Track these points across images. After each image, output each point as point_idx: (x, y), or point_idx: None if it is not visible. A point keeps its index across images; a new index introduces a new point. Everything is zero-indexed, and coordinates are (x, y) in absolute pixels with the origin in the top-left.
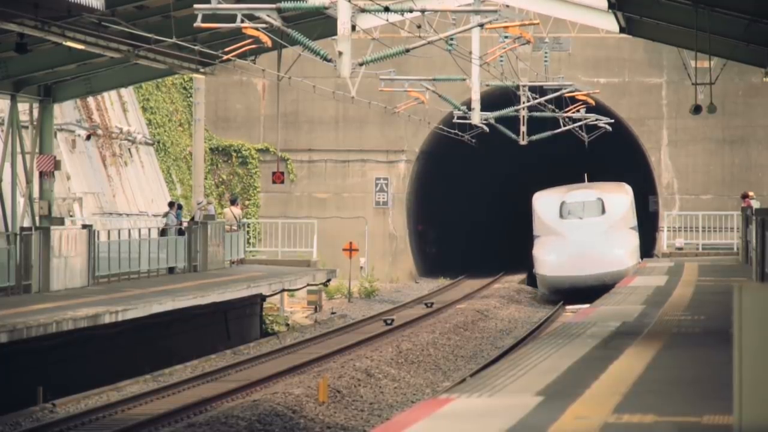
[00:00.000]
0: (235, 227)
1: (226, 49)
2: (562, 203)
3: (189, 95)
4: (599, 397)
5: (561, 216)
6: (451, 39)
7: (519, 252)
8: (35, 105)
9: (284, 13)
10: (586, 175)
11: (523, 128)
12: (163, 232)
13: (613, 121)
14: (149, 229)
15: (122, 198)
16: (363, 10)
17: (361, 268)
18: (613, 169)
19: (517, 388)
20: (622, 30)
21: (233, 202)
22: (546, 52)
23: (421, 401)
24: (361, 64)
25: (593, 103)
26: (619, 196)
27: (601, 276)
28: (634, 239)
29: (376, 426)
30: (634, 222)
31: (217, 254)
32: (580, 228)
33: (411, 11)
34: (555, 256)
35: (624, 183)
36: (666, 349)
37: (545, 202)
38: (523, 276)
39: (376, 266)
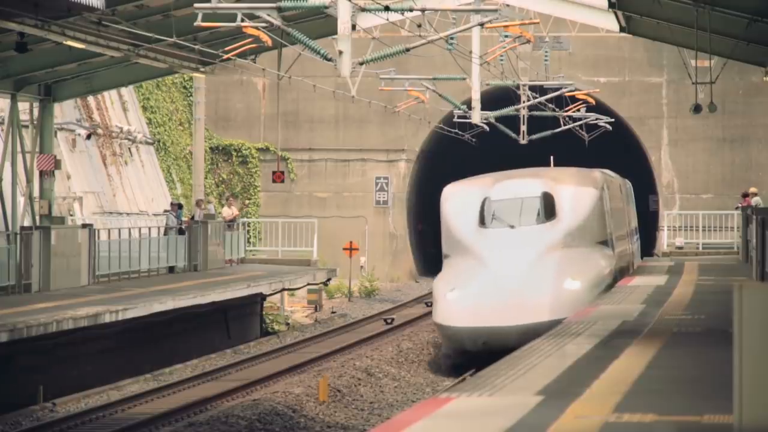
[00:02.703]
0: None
1: (227, 48)
2: (485, 202)
3: (189, 94)
4: (599, 397)
5: (482, 223)
6: (452, 38)
7: None
8: (35, 104)
9: (284, 12)
10: (551, 158)
11: (524, 127)
12: (166, 232)
13: (613, 120)
14: (149, 229)
15: (122, 197)
16: (363, 10)
17: (362, 267)
18: (613, 169)
19: (517, 388)
20: (622, 29)
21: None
22: (546, 52)
23: (421, 400)
24: (361, 64)
25: (593, 102)
26: (583, 191)
27: (538, 327)
28: (600, 261)
29: (377, 425)
30: (612, 228)
31: (218, 253)
32: (509, 243)
33: (411, 10)
34: (461, 293)
35: (599, 170)
36: (666, 349)
37: (460, 201)
38: None
39: (376, 265)
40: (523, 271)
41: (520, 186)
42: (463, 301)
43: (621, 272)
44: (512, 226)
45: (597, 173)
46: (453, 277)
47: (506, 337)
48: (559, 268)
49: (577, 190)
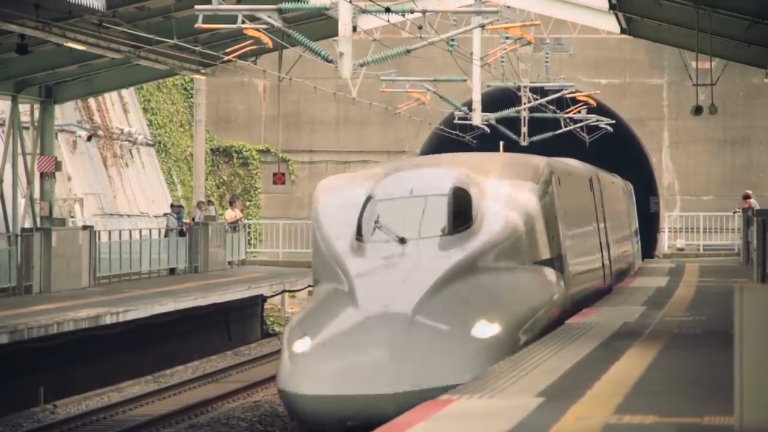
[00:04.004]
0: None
1: (227, 50)
2: (368, 202)
3: (190, 96)
4: (600, 398)
5: (359, 235)
6: (452, 40)
7: None
8: (36, 106)
9: (285, 14)
10: (501, 144)
11: (524, 129)
12: (166, 233)
13: (614, 121)
14: (150, 230)
15: (123, 199)
16: (364, 11)
17: None
18: (614, 170)
19: (518, 389)
20: (623, 31)
21: (231, 204)
22: (547, 53)
23: (422, 402)
24: (362, 65)
25: (594, 103)
26: (516, 187)
27: (431, 395)
28: (537, 291)
29: (378, 427)
30: (569, 240)
31: (218, 255)
32: (394, 267)
33: (412, 12)
34: (315, 343)
35: (551, 158)
36: (667, 350)
37: (334, 202)
38: None
39: None
40: (411, 310)
41: (422, 179)
42: (316, 356)
43: (587, 298)
44: (402, 240)
45: (541, 162)
46: (310, 317)
47: (381, 411)
48: (468, 304)
49: (508, 186)
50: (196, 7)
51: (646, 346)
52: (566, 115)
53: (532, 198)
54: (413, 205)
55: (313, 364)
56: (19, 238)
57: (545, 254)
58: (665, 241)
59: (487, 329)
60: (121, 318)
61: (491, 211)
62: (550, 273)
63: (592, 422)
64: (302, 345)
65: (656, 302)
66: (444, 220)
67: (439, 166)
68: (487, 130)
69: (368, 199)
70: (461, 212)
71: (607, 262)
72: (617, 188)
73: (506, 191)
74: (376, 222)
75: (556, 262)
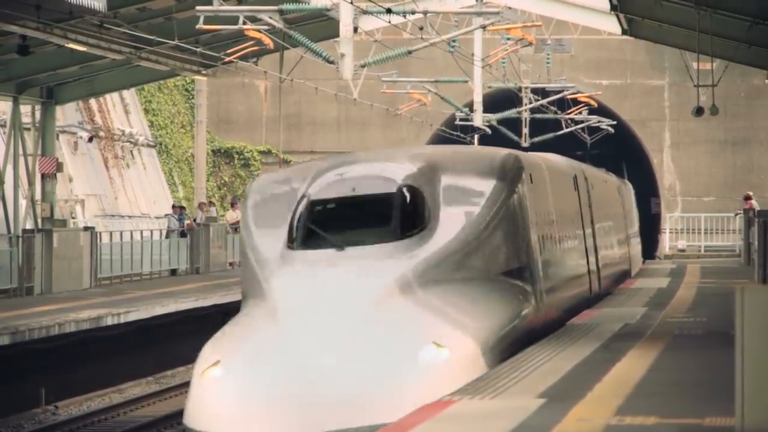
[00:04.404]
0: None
1: (228, 51)
2: (302, 203)
3: (191, 97)
4: (601, 399)
5: (290, 242)
6: (454, 41)
7: None
8: (37, 107)
9: (286, 14)
10: (475, 138)
11: (526, 130)
12: (168, 234)
13: (615, 122)
14: (151, 231)
15: (124, 200)
16: (365, 12)
17: None
18: (615, 171)
19: (519, 390)
20: (624, 32)
21: (233, 205)
22: (548, 54)
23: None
24: (363, 66)
25: (595, 104)
26: (477, 185)
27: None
28: (501, 307)
29: (380, 428)
30: (542, 246)
31: (220, 256)
32: (328, 280)
33: (413, 13)
34: (229, 371)
35: (528, 153)
36: (668, 351)
37: (265, 203)
38: None
39: None
40: (344, 334)
41: (366, 176)
42: (228, 389)
43: (567, 311)
44: (340, 248)
45: (509, 156)
46: (225, 340)
47: None
48: (415, 325)
49: (468, 184)
50: (198, 8)
51: (648, 347)
52: (567, 116)
53: (497, 198)
54: (354, 206)
55: (223, 399)
56: (20, 239)
57: (512, 263)
58: (666, 242)
59: (436, 355)
60: (123, 319)
61: (447, 213)
62: (517, 285)
63: (594, 423)
64: (214, 373)
65: (657, 303)
66: (390, 224)
67: (389, 160)
68: (489, 131)
69: (302, 198)
70: (411, 214)
71: (594, 268)
72: (610, 187)
73: (466, 190)
74: (310, 226)
75: (526, 272)
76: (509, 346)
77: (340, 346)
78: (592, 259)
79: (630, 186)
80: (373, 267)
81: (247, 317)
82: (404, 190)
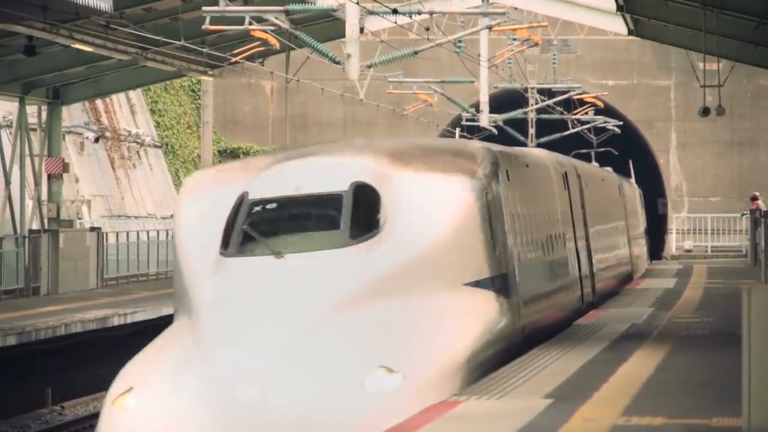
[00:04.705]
0: None
1: (235, 52)
2: (240, 204)
3: (197, 97)
4: (608, 400)
5: (225, 247)
6: (460, 41)
7: None
8: (43, 107)
9: (292, 15)
10: (457, 131)
11: (532, 130)
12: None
13: (621, 123)
14: (157, 232)
15: (130, 200)
16: (371, 13)
17: None
18: (622, 172)
19: (526, 391)
20: (630, 32)
21: None
22: (554, 54)
23: (430, 403)
24: (369, 66)
25: (602, 105)
26: (443, 183)
27: None
28: (467, 324)
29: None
30: (521, 252)
31: None
32: (264, 293)
33: (419, 13)
34: (143, 401)
35: (507, 147)
36: (675, 352)
37: (201, 203)
38: None
39: None
40: (278, 359)
41: (314, 172)
42: (140, 418)
43: (553, 323)
44: (278, 255)
45: (482, 150)
46: (142, 364)
47: None
48: (364, 345)
49: (433, 181)
50: (204, 8)
51: (654, 347)
52: (573, 117)
53: (465, 196)
54: (299, 207)
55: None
56: (26, 239)
57: (483, 272)
58: (673, 243)
59: (386, 381)
60: (129, 319)
61: (407, 214)
62: (488, 297)
63: (600, 424)
64: (124, 403)
65: (664, 303)
66: (339, 227)
67: (343, 153)
68: (495, 131)
69: (241, 198)
70: (364, 216)
71: (587, 274)
72: (609, 186)
73: (430, 188)
74: (246, 229)
75: (500, 281)
76: (478, 369)
77: (270, 373)
78: (585, 264)
79: (635, 185)
80: (316, 277)
81: (169, 337)
82: (356, 188)
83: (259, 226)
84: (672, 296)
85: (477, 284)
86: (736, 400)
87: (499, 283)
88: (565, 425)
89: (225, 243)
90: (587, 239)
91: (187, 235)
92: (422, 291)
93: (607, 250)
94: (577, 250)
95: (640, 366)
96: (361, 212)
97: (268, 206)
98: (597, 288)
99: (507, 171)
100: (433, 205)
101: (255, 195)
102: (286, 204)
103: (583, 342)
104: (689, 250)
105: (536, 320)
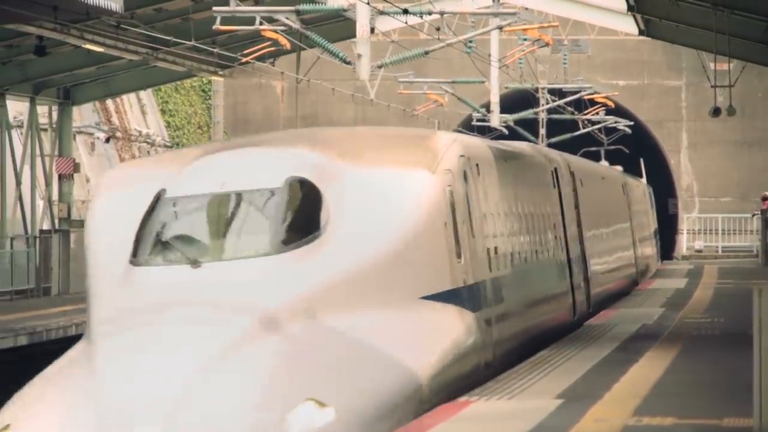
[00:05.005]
0: None
1: (245, 52)
2: (157, 203)
3: (208, 98)
4: (619, 400)
5: (136, 255)
6: (470, 41)
7: None
8: (54, 107)
9: (303, 15)
10: (436, 125)
11: (543, 131)
12: None
13: (632, 123)
14: None
15: None
16: (382, 13)
17: None
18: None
19: (537, 391)
20: (641, 32)
21: None
22: (565, 55)
23: (441, 404)
24: (380, 67)
25: (612, 105)
26: (408, 178)
27: None
28: (419, 347)
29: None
30: (500, 259)
31: None
32: (177, 312)
33: (430, 14)
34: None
35: (479, 138)
36: (686, 352)
37: (117, 202)
38: None
39: None
40: (186, 391)
41: (244, 166)
42: None
43: (534, 340)
44: (195, 264)
45: (447, 141)
46: (29, 396)
47: None
48: (291, 375)
49: (387, 177)
50: (214, 8)
51: (665, 348)
52: (584, 117)
53: (424, 194)
54: (223, 206)
55: None
56: (37, 239)
57: (444, 283)
58: (684, 243)
59: (315, 417)
60: None
61: (353, 216)
62: (450, 314)
63: (611, 424)
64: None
65: (675, 304)
66: (271, 231)
67: (281, 144)
68: (506, 131)
69: (158, 196)
70: (302, 217)
71: (580, 283)
72: (611, 185)
73: (382, 185)
74: (159, 233)
75: (465, 294)
76: (432, 399)
77: (176, 409)
78: (578, 270)
79: (643, 184)
80: (238, 291)
81: (62, 364)
82: (292, 184)
83: (174, 229)
84: (683, 296)
85: (437, 298)
86: (747, 401)
87: (465, 296)
88: (576, 426)
89: (135, 249)
90: (581, 243)
91: (97, 238)
92: (367, 307)
93: (606, 254)
94: (568, 255)
95: (650, 366)
96: (297, 213)
97: (188, 205)
98: (593, 297)
99: (478, 165)
100: (385, 204)
101: (174, 192)
102: (209, 203)
103: (593, 342)
104: (700, 251)
105: (513, 338)
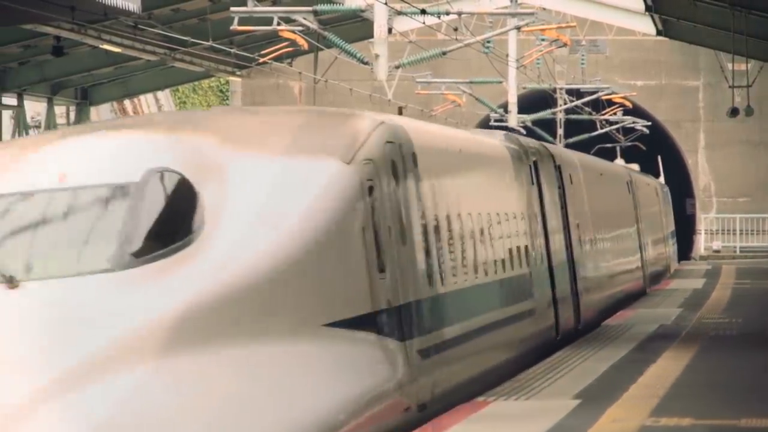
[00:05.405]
0: None
1: (263, 52)
2: None
3: (225, 98)
4: (636, 401)
5: None
6: (488, 42)
7: None
8: (72, 108)
9: (321, 15)
10: (399, 109)
11: (560, 131)
12: None
13: (650, 123)
14: None
15: None
16: (399, 13)
17: None
18: (650, 169)
19: (554, 391)
20: (659, 32)
21: None
22: (583, 55)
23: (458, 404)
24: (397, 67)
25: (630, 105)
26: (315, 171)
27: None
28: (334, 384)
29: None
30: (435, 271)
31: None
32: None
33: (447, 14)
34: None
35: (398, 118)
36: (703, 352)
37: None
38: None
39: None
40: None
41: (90, 154)
42: None
43: (487, 375)
44: (13, 282)
45: (371, 124)
46: None
47: None
48: (131, 423)
49: (287, 169)
50: (232, 9)
51: (683, 348)
52: (602, 117)
53: (334, 192)
54: (59, 206)
55: None
56: None
57: (357, 306)
58: (701, 243)
59: None
60: None
61: (238, 218)
62: (365, 346)
63: (628, 425)
64: None
65: (693, 304)
66: (119, 239)
67: (151, 127)
68: (524, 132)
69: None
70: (165, 221)
71: (565, 295)
72: (612, 181)
73: (278, 178)
74: None
75: (388, 320)
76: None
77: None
78: (563, 282)
79: (656, 181)
80: (70, 319)
81: None
82: (154, 177)
83: None
84: (700, 297)
85: (347, 325)
86: (766, 401)
87: (388, 320)
88: (593, 426)
89: None
90: (569, 248)
91: None
92: (251, 338)
93: (603, 260)
94: (550, 263)
95: (668, 367)
96: (159, 215)
97: (14, 205)
98: (583, 311)
99: (415, 155)
100: (280, 204)
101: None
102: (42, 201)
103: (611, 343)
104: (718, 251)
105: (463, 371)
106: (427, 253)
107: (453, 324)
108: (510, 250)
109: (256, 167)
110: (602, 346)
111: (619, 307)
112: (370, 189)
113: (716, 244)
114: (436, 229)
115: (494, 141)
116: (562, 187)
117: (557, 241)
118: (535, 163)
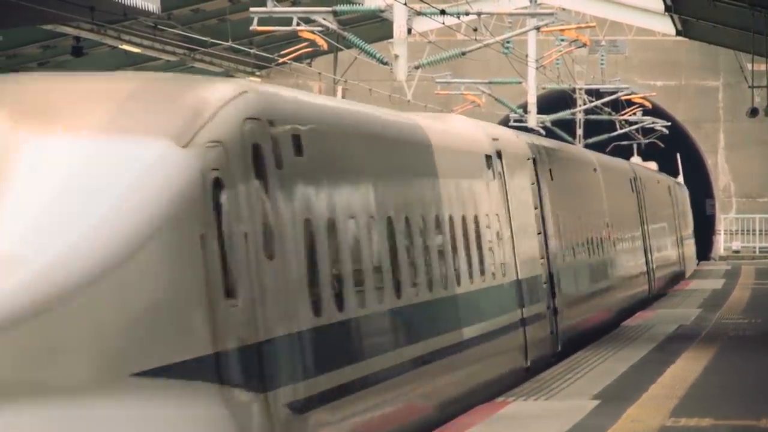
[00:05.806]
0: None
1: (282, 52)
2: None
3: None
4: (656, 401)
5: None
6: (508, 42)
7: None
8: None
9: (340, 16)
10: (341, 90)
11: (580, 131)
12: None
13: (669, 123)
14: None
15: None
16: (419, 14)
17: None
18: (668, 171)
19: (573, 392)
20: (678, 32)
21: None
22: (602, 55)
23: (478, 404)
24: (417, 67)
25: (650, 105)
26: (140, 156)
27: None
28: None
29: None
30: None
31: None
32: None
33: (467, 14)
34: None
35: (254, 86)
36: (723, 353)
37: None
38: None
39: None
40: None
41: None
42: None
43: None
44: None
45: (228, 91)
46: None
47: None
48: None
49: (83, 151)
50: (252, 9)
51: (702, 348)
52: (621, 117)
53: (161, 184)
54: None
55: None
56: None
57: (193, 345)
58: (721, 243)
59: None
60: None
61: (24, 216)
62: (200, 403)
63: (648, 425)
64: None
65: (712, 304)
66: None
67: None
68: (543, 132)
69: None
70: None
71: (541, 313)
72: (611, 179)
73: (82, 165)
74: None
75: (243, 361)
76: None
77: None
78: (533, 300)
79: (668, 178)
80: None
81: None
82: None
83: None
84: (720, 297)
85: (170, 373)
86: None
87: (240, 364)
88: (613, 426)
89: None
90: (546, 257)
91: None
92: (12, 398)
93: (596, 269)
94: (517, 277)
95: (687, 367)
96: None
97: None
98: (565, 331)
99: (299, 138)
100: (87, 201)
101: None
102: None
103: (630, 343)
104: (737, 251)
105: (365, 425)
106: (312, 270)
107: (348, 364)
108: (447, 264)
109: (53, 149)
110: (621, 347)
111: (620, 318)
112: (216, 182)
113: (736, 245)
114: (331, 238)
115: (438, 125)
116: (537, 183)
117: (529, 249)
118: (498, 153)
